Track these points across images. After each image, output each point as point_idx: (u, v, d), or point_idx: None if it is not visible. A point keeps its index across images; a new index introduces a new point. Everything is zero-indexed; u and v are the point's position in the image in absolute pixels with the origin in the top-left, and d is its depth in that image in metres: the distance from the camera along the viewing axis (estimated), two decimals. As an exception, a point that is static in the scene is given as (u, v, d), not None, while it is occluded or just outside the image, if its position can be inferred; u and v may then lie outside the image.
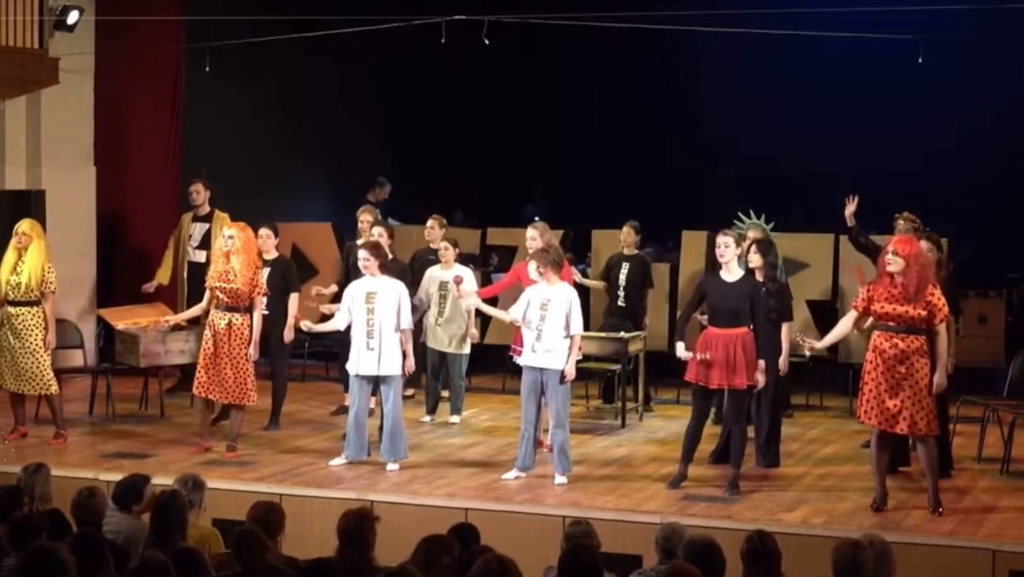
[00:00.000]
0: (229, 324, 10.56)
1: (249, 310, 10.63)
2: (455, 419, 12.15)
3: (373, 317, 10.23)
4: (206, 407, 10.93)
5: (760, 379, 9.51)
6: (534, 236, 11.22)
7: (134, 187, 14.76)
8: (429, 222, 12.70)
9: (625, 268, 12.74)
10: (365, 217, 12.41)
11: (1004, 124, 14.66)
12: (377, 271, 10.34)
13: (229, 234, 10.64)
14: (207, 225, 13.08)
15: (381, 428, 10.49)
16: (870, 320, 9.29)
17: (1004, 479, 10.11)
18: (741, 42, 13.60)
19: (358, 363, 10.28)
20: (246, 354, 10.57)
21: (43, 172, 14.09)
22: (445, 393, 12.35)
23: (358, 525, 6.53)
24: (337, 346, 12.50)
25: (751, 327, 9.51)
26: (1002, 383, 11.18)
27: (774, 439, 10.52)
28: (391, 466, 10.23)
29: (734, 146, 16.10)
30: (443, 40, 11.72)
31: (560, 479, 9.86)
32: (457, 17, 11.80)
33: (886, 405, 8.94)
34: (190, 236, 13.06)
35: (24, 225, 11.09)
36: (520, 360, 10.18)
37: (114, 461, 10.31)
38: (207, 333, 10.67)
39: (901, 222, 11.09)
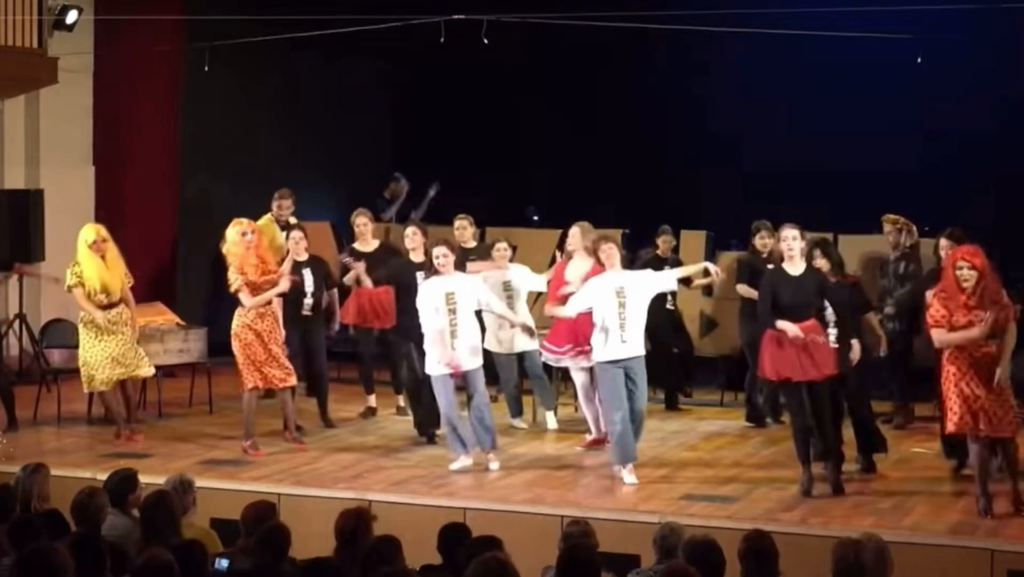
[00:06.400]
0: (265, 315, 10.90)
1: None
2: (552, 421, 11.72)
3: (456, 317, 10.07)
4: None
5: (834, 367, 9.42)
6: (575, 234, 10.89)
7: (134, 187, 14.77)
8: (458, 222, 12.39)
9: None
10: (361, 220, 12.25)
11: (1004, 124, 14.63)
12: (452, 269, 10.22)
13: (245, 231, 10.82)
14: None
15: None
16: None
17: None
18: (741, 42, 13.60)
19: (441, 362, 10.12)
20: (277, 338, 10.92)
21: (42, 172, 14.11)
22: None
23: (356, 525, 6.53)
24: (350, 345, 12.46)
25: (819, 320, 9.45)
26: (1002, 383, 11.14)
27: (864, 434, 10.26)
28: (493, 464, 10.15)
29: (734, 146, 16.07)
30: (443, 40, 11.72)
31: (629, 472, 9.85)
32: (457, 17, 11.80)
33: (981, 410, 8.80)
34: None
35: (96, 233, 11.28)
36: (599, 357, 9.87)
37: (114, 461, 10.29)
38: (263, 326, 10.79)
39: (887, 225, 11.07)
